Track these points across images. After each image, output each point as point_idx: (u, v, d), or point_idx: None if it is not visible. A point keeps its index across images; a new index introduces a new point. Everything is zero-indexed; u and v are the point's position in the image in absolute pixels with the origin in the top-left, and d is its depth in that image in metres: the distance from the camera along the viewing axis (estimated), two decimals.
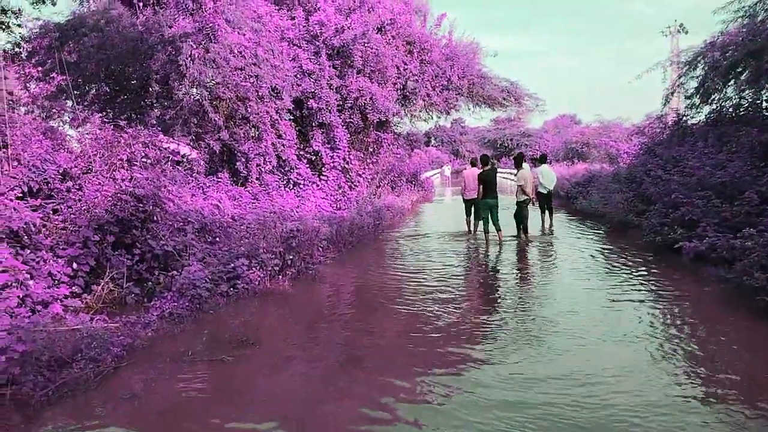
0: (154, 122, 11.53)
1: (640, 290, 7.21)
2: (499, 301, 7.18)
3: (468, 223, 13.21)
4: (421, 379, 4.50)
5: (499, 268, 9.28)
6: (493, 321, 6.07)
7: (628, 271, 8.26)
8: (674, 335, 5.41)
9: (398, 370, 4.74)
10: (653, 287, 7.36)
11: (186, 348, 5.19)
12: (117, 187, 7.48)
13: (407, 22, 15.94)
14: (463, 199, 13.34)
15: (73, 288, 6.43)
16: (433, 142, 68.73)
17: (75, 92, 11.79)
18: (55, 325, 5.09)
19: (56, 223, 7.00)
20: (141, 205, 7.52)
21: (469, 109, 18.23)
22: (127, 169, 8.03)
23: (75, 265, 6.66)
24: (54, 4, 7.93)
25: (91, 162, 7.87)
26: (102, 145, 7.94)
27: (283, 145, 13.75)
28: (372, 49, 14.60)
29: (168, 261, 7.62)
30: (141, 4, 8.17)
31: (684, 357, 4.81)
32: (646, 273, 8.15)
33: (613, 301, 6.72)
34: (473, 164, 13.77)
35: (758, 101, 11.45)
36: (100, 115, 11.66)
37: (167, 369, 4.76)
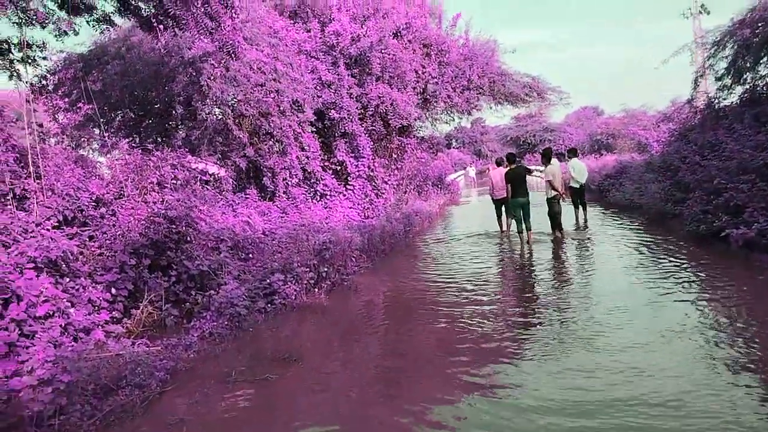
0: (180, 144, 11.64)
1: (691, 282, 6.91)
2: (539, 305, 6.94)
3: (500, 223, 12.99)
4: (461, 395, 4.34)
5: (536, 268, 9.03)
6: (536, 329, 5.88)
7: (676, 263, 7.95)
8: (740, 327, 5.13)
9: (439, 383, 4.60)
10: (704, 278, 7.06)
11: (229, 368, 5.13)
12: (149, 210, 7.52)
13: (423, 25, 15.84)
14: (492, 199, 13.13)
15: (113, 313, 6.44)
16: (454, 144, 68.35)
17: (101, 120, 11.99)
18: (98, 352, 5.09)
19: (93, 249, 7.04)
20: (174, 226, 7.54)
21: (491, 108, 17.98)
22: (158, 192, 8.07)
23: (114, 291, 6.68)
24: (76, 34, 8.03)
25: (122, 187, 7.93)
26: (132, 169, 8.01)
27: (307, 158, 13.75)
28: (389, 55, 14.53)
29: (204, 281, 7.62)
30: (162, 27, 8.24)
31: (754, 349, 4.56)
32: (694, 263, 7.83)
33: (662, 295, 6.44)
34: (499, 164, 13.57)
35: None
36: (128, 140, 11.87)
37: (212, 391, 4.69)
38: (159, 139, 12.61)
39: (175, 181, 8.52)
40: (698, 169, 10.08)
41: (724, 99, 12.82)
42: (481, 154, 67.25)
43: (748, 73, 11.77)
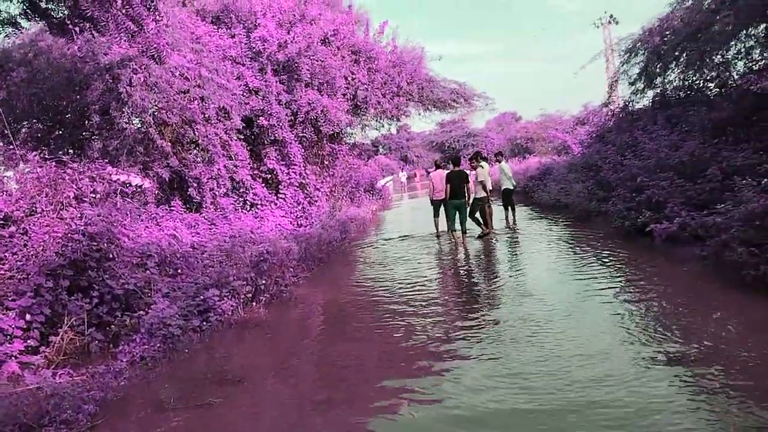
0: (97, 155, 10.87)
1: (623, 274, 7.23)
2: (480, 305, 7.00)
3: (436, 224, 13.16)
4: (403, 406, 4.25)
5: (475, 269, 9.15)
6: (476, 330, 5.90)
7: (606, 257, 8.31)
8: (676, 313, 5.37)
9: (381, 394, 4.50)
10: (634, 270, 7.39)
11: (165, 395, 4.75)
12: (67, 227, 6.91)
13: (350, 32, 15.78)
14: (431, 200, 13.31)
15: (29, 342, 5.84)
16: (381, 150, 68.78)
17: (4, 131, 11.00)
18: (14, 387, 4.57)
19: (2, 272, 6.38)
20: (94, 243, 6.97)
21: (420, 114, 18.19)
22: (75, 207, 7.44)
23: (28, 317, 6.06)
24: None
25: (34, 203, 7.25)
26: (45, 183, 7.33)
27: (235, 166, 13.26)
28: (318, 61, 14.35)
29: (129, 300, 7.08)
30: (77, 30, 7.62)
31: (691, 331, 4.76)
32: (624, 257, 8.23)
33: (601, 290, 6.68)
34: (438, 166, 13.82)
35: (699, 82, 11.85)
36: (36, 152, 10.92)
37: (151, 421, 4.31)
38: (71, 151, 11.71)
39: (94, 195, 7.90)
40: (619, 168, 10.61)
41: (637, 102, 13.66)
42: (407, 160, 68.08)
43: (658, 78, 12.57)
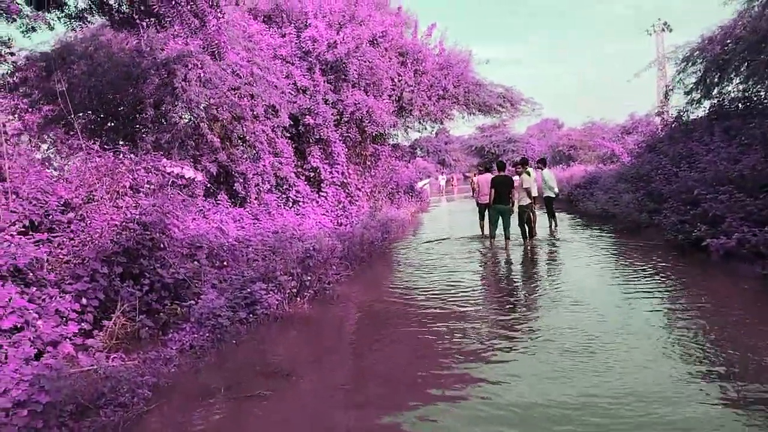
0: (149, 147, 11.16)
1: (679, 290, 6.97)
2: (519, 312, 6.86)
3: (481, 227, 13.12)
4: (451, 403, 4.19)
5: (517, 276, 8.99)
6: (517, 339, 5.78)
7: (660, 271, 8.04)
8: (734, 336, 5.15)
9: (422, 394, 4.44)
10: (691, 287, 7.11)
11: (216, 384, 4.81)
12: (122, 215, 7.10)
13: (398, 34, 15.80)
14: (477, 203, 13.31)
15: (82, 325, 6.01)
16: (419, 152, 68.66)
17: (64, 121, 11.40)
18: (70, 368, 4.71)
19: (60, 256, 6.59)
20: (147, 232, 7.14)
21: (463, 117, 18.07)
22: (131, 197, 7.66)
23: (84, 300, 6.24)
24: (52, 29, 7.53)
25: (92, 191, 7.48)
26: (104, 172, 7.56)
27: (280, 163, 13.43)
28: (366, 62, 14.40)
29: (178, 290, 7.24)
30: (144, 24, 7.83)
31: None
32: (680, 273, 7.92)
33: (655, 306, 6.46)
34: (488, 169, 13.77)
35: (761, 93, 11.39)
36: (93, 142, 11.29)
37: (201, 409, 4.37)
38: (122, 143, 12.07)
39: (149, 185, 8.11)
40: (673, 179, 10.27)
41: (692, 113, 13.23)
42: (445, 164, 67.74)
43: (716, 88, 12.14)
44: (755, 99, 11.40)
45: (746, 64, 11.13)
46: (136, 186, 7.97)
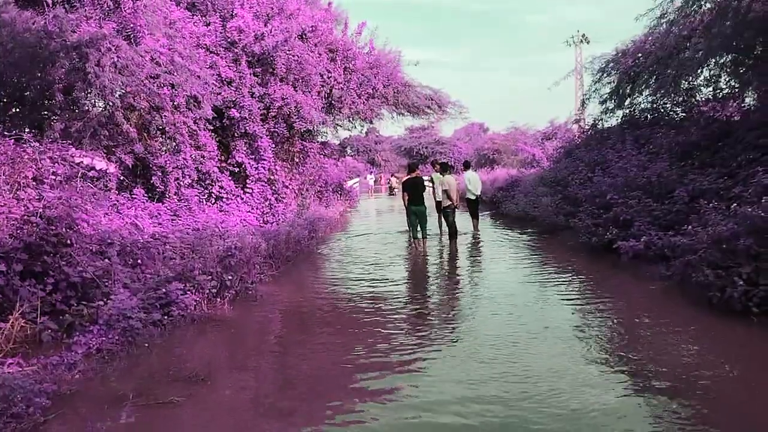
0: (58, 136, 10.38)
1: (590, 289, 7.34)
2: (437, 311, 6.98)
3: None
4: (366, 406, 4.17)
5: (433, 275, 9.15)
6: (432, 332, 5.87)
7: (574, 271, 8.43)
8: (637, 329, 5.45)
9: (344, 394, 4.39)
10: (601, 286, 7.51)
11: (125, 390, 4.50)
12: (23, 208, 6.54)
13: (328, 30, 15.63)
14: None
15: None
16: (349, 151, 68.58)
17: None
18: None
19: None
20: (52, 227, 6.61)
21: (392, 117, 18.17)
22: (33, 188, 7.06)
23: None
24: None
25: None
26: (2, 161, 6.93)
27: (203, 157, 12.89)
28: (295, 56, 14.13)
29: (86, 289, 6.75)
30: (51, 2, 7.22)
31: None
32: (592, 272, 8.37)
33: (565, 299, 6.75)
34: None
35: (668, 105, 12.22)
36: None
37: (108, 417, 4.08)
38: (28, 130, 11.16)
39: (54, 177, 7.52)
40: (588, 184, 10.80)
41: (607, 121, 13.99)
42: (374, 163, 68.09)
43: (628, 99, 12.90)
44: (662, 110, 12.23)
45: (654, 77, 11.91)
46: (40, 177, 7.38)
